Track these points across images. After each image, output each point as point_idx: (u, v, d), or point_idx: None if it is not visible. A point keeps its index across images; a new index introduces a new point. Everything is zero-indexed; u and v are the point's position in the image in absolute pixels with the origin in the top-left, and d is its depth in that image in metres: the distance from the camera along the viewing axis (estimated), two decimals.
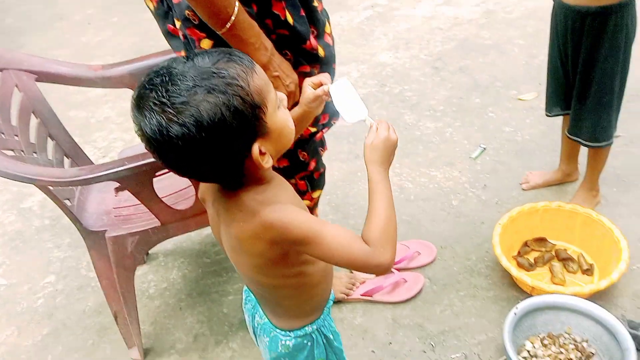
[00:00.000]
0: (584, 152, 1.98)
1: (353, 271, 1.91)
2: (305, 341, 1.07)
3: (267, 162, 0.83)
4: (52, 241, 2.38)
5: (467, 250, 1.92)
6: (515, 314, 1.50)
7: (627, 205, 1.99)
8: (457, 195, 2.17)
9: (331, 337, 1.10)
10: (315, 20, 1.24)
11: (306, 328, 1.07)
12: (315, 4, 1.23)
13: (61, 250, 2.33)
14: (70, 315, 2.01)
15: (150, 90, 0.75)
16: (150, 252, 2.21)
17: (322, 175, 1.56)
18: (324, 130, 1.45)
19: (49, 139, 1.68)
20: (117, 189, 1.73)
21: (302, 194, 1.53)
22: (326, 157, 1.59)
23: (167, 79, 0.75)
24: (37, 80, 1.64)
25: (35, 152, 1.59)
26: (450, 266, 1.88)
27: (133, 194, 1.41)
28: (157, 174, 1.41)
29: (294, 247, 0.88)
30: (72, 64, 1.71)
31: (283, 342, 1.06)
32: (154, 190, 1.41)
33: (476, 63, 2.93)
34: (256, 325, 1.13)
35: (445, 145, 2.43)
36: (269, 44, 1.15)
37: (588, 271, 1.74)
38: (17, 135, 1.55)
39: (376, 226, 0.88)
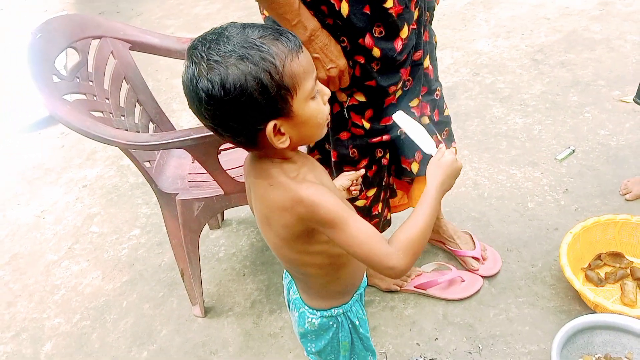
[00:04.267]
0: None
1: None
2: (330, 322, 1.10)
3: (283, 143, 0.87)
4: (142, 198, 2.60)
5: (534, 256, 1.84)
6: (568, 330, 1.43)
7: None
8: (534, 197, 2.06)
9: (357, 323, 1.13)
10: (386, 22, 1.21)
11: (332, 310, 1.10)
12: (389, 5, 1.19)
13: (149, 207, 2.52)
14: (147, 267, 2.19)
15: (201, 44, 0.82)
16: (225, 218, 2.34)
17: (377, 173, 1.51)
18: (383, 137, 1.41)
19: (137, 104, 1.81)
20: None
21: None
22: None
23: (216, 37, 0.81)
24: (130, 49, 1.78)
25: (123, 116, 1.73)
26: (513, 270, 1.81)
27: (199, 162, 1.50)
28: (222, 147, 1.49)
29: (319, 227, 0.91)
30: (163, 36, 1.83)
31: (310, 320, 1.11)
32: (218, 161, 1.49)
33: (580, 58, 2.72)
34: (290, 299, 1.18)
35: (531, 143, 2.31)
36: (311, 24, 1.16)
37: None
38: (108, 99, 1.70)
39: (408, 233, 0.91)
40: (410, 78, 1.38)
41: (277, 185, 0.91)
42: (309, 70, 0.86)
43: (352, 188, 1.20)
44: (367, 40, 1.22)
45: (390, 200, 1.68)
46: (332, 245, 0.98)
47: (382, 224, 1.66)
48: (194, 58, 0.81)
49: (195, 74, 0.81)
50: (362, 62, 1.25)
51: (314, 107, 0.88)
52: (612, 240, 1.74)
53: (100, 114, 1.62)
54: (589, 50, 2.77)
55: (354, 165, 1.46)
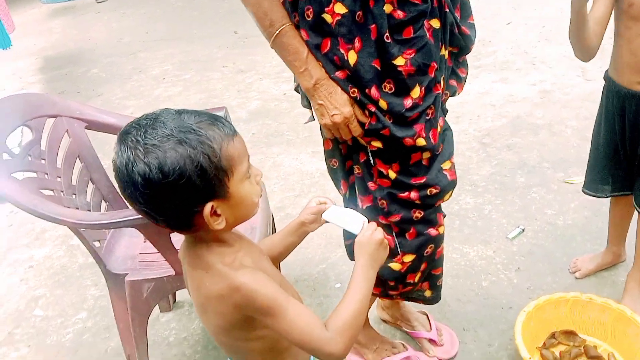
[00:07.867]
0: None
1: None
2: None
3: (220, 224, 0.87)
4: (91, 279, 2.49)
5: (491, 336, 1.83)
6: None
7: None
8: (488, 275, 2.09)
9: None
10: (396, 79, 1.23)
11: None
12: (399, 62, 1.20)
13: (98, 289, 2.42)
14: (92, 353, 2.07)
15: (134, 128, 0.83)
16: (177, 299, 2.26)
17: (416, 237, 1.43)
18: (411, 194, 1.36)
19: (90, 182, 1.79)
20: None
21: (391, 254, 1.41)
22: None
23: (151, 122, 0.83)
24: (86, 128, 1.78)
25: (74, 194, 1.70)
26: (470, 351, 1.79)
27: (150, 242, 1.47)
28: None
29: (256, 316, 0.89)
30: (120, 116, 1.84)
31: None
32: (170, 240, 1.46)
33: (525, 141, 2.88)
34: None
35: (482, 222, 2.37)
36: (317, 73, 1.21)
37: None
38: (60, 177, 1.67)
39: (343, 316, 0.92)
40: (441, 142, 1.37)
41: (213, 272, 0.90)
42: (243, 153, 0.89)
43: (321, 201, 1.15)
44: (373, 91, 1.23)
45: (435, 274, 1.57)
46: (271, 330, 0.97)
47: (413, 295, 1.60)
48: (129, 142, 0.82)
49: (131, 158, 0.81)
50: (373, 110, 1.25)
51: (248, 187, 0.91)
52: (565, 318, 1.76)
53: (51, 192, 1.59)
54: (533, 134, 2.94)
55: (386, 216, 1.40)
